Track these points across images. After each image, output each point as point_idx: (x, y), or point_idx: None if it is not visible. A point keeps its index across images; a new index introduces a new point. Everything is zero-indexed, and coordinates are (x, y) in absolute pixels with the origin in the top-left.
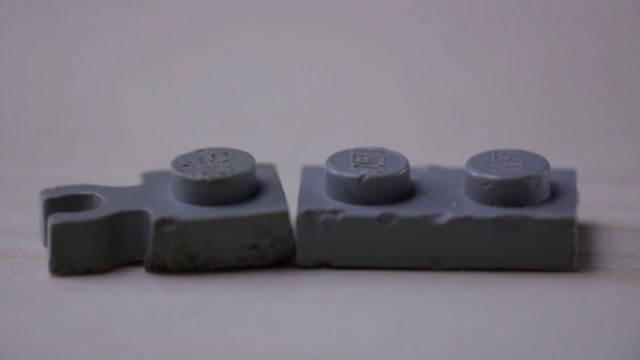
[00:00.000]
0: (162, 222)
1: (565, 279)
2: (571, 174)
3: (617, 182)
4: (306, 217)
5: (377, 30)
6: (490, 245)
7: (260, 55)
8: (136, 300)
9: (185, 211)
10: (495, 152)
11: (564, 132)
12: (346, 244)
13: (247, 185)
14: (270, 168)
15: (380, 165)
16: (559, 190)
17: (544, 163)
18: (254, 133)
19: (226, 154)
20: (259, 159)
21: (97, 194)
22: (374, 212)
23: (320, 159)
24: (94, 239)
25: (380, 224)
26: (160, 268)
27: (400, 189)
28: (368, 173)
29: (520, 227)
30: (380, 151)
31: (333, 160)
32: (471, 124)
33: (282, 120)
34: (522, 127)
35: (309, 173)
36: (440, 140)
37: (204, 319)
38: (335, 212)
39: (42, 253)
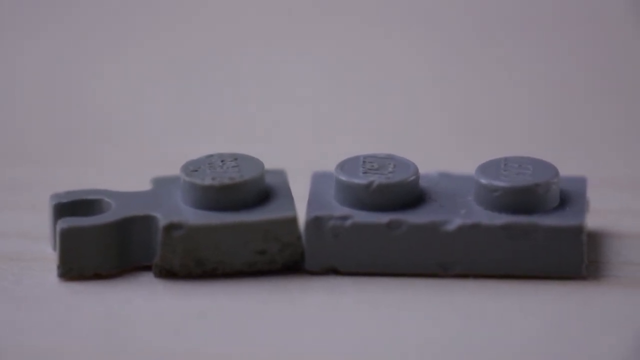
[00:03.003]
0: (171, 227)
1: (574, 287)
2: (581, 182)
3: (627, 189)
4: (315, 222)
5: (387, 36)
6: (499, 252)
7: (270, 61)
8: (144, 304)
9: (194, 216)
10: (505, 159)
11: (574, 138)
12: (354, 250)
13: (256, 191)
14: (280, 174)
15: (390, 172)
16: (569, 197)
17: (553, 170)
18: (265, 139)
19: (236, 159)
20: (270, 164)
21: (106, 199)
22: (383, 218)
23: (330, 165)
24: (102, 244)
25: (388, 230)
26: (169, 273)
27: (409, 195)
28: (377, 179)
29: (529, 234)
30: (390, 158)
31: (342, 166)
32: (481, 131)
33: (292, 126)
34: (533, 133)
35: (319, 179)
36: (451, 146)
37: (212, 324)
38: (344, 218)
39: (51, 257)
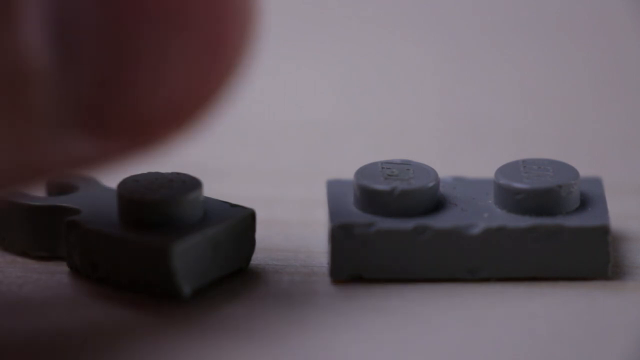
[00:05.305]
0: (71, 225)
1: (599, 288)
2: (597, 182)
3: (630, 193)
4: (340, 230)
5: (397, 40)
6: (524, 255)
7: (275, 63)
8: (147, 319)
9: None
10: (523, 161)
11: (581, 142)
12: (379, 256)
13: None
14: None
15: (410, 177)
16: (588, 198)
17: (573, 171)
18: (268, 145)
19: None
20: (274, 168)
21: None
22: (408, 224)
23: (332, 172)
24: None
25: (414, 235)
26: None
27: (431, 200)
28: (399, 185)
29: (555, 236)
30: (407, 163)
31: (362, 173)
32: (483, 135)
33: (296, 132)
34: (536, 137)
35: (334, 186)
36: (453, 151)
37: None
38: (369, 225)
39: (54, 259)
